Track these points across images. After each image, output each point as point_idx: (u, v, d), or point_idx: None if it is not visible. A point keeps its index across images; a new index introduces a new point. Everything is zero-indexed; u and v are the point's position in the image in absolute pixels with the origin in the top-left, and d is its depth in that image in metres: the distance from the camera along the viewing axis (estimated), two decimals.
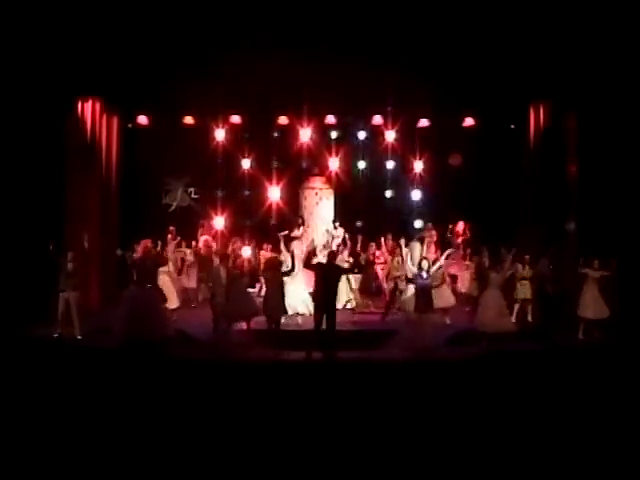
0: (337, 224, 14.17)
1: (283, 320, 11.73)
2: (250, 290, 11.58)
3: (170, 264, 12.35)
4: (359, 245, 13.66)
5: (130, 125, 14.61)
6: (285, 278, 11.26)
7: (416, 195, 15.15)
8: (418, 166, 15.05)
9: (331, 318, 10.04)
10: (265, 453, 5.97)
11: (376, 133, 15.03)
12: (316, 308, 10.28)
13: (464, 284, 13.17)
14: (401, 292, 12.12)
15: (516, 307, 11.89)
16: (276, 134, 15.16)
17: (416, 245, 13.02)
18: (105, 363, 9.28)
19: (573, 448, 6.12)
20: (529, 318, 11.95)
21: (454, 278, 13.11)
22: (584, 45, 11.79)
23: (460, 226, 14.49)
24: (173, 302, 12.18)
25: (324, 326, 10.03)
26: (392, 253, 12.94)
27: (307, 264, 10.84)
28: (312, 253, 11.32)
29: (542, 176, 13.43)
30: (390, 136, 14.80)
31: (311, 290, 12.35)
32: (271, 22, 11.63)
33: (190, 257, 13.59)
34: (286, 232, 13.40)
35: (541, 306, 11.59)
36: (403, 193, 15.44)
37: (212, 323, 10.68)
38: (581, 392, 7.74)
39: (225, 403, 7.34)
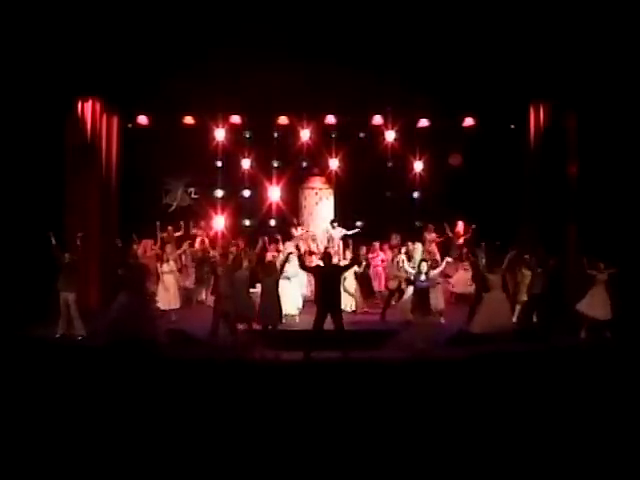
0: (336, 224, 14.19)
1: (283, 320, 11.73)
2: (252, 290, 11.53)
3: (172, 263, 12.37)
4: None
5: (130, 125, 14.60)
6: (283, 280, 11.21)
7: (416, 195, 15.19)
8: (418, 166, 15.07)
9: (337, 318, 10.00)
10: (265, 453, 5.97)
11: (376, 133, 15.03)
12: (318, 310, 10.19)
13: (458, 284, 13.19)
14: (401, 293, 12.13)
15: (517, 307, 11.89)
16: (276, 134, 15.17)
17: (418, 246, 13.04)
18: (105, 363, 9.27)
19: (573, 448, 6.12)
20: (534, 318, 11.92)
21: (446, 276, 13.11)
22: (584, 45, 11.78)
23: (460, 226, 14.51)
24: (175, 302, 12.20)
25: (332, 327, 10.00)
26: (394, 252, 12.96)
27: (305, 267, 10.85)
28: (307, 253, 11.29)
29: (542, 176, 13.43)
30: (390, 136, 14.81)
31: (308, 293, 12.39)
32: (271, 23, 11.62)
33: (188, 257, 13.61)
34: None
35: (540, 306, 11.56)
36: (403, 193, 15.46)
37: (211, 324, 10.64)
38: (581, 392, 7.73)
39: (225, 403, 7.34)
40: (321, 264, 10.69)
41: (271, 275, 10.81)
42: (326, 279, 10.16)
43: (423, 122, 14.80)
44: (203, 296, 13.64)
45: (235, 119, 14.64)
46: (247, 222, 15.48)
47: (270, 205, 15.07)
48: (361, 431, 6.49)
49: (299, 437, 6.32)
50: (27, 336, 10.76)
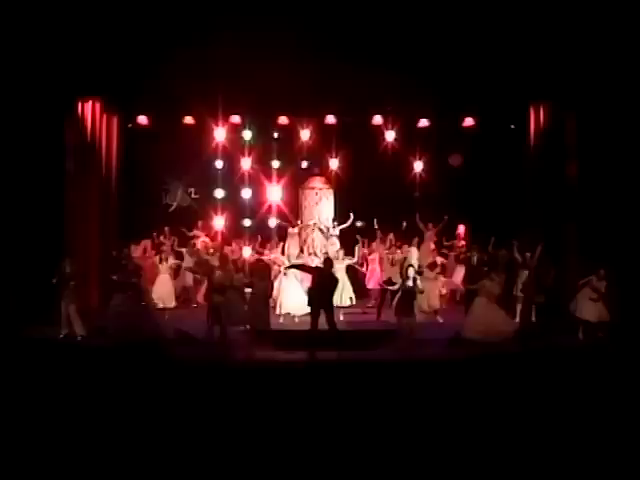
0: (335, 224, 14.17)
1: (281, 320, 11.76)
2: (247, 290, 11.56)
3: (169, 262, 12.40)
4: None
5: (130, 125, 14.60)
6: (281, 278, 11.26)
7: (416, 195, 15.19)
8: (418, 166, 15.06)
9: (329, 317, 10.09)
10: (264, 453, 5.97)
11: (376, 133, 15.02)
12: (311, 309, 10.33)
13: (457, 279, 13.29)
14: (394, 293, 12.11)
15: (518, 307, 11.85)
16: (276, 135, 15.16)
17: (413, 250, 13.04)
18: (105, 363, 9.29)
19: (573, 448, 6.12)
20: (533, 318, 11.91)
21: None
22: (584, 45, 11.78)
23: (461, 229, 14.53)
24: (170, 301, 12.26)
25: (324, 326, 10.06)
26: (390, 251, 12.99)
27: (303, 268, 10.99)
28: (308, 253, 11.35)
29: (542, 176, 13.42)
30: (390, 136, 14.80)
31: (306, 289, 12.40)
32: (271, 23, 11.62)
33: (188, 257, 13.62)
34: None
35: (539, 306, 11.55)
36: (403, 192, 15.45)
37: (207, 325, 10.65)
38: (581, 392, 7.73)
39: (225, 403, 7.35)
40: (321, 266, 10.76)
41: (263, 280, 10.88)
42: (323, 282, 10.28)
43: (423, 122, 14.78)
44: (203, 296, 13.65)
45: (235, 119, 14.62)
46: (247, 222, 15.47)
47: (270, 206, 15.06)
48: (360, 431, 6.49)
49: (299, 437, 6.33)
50: (31, 336, 10.79)
